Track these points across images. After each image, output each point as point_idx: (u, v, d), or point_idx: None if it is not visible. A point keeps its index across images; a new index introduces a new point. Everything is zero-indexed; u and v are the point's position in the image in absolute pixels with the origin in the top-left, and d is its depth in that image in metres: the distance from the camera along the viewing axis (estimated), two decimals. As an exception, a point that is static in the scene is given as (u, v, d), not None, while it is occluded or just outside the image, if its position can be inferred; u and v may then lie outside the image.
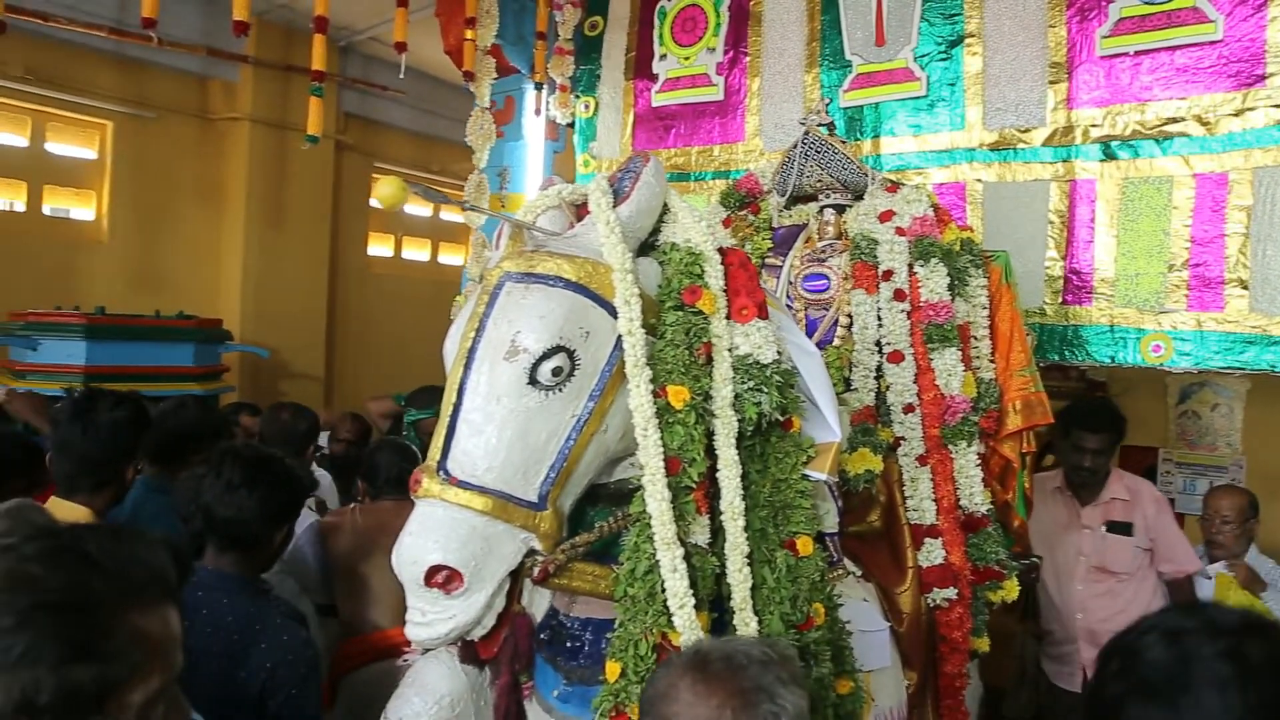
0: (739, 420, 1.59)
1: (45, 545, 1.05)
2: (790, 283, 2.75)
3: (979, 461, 2.56)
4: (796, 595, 1.62)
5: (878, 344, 2.57)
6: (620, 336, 1.51)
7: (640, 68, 4.49)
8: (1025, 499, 2.85)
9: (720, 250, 1.68)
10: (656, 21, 4.44)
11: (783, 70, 4.08)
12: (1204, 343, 3.14)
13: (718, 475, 1.58)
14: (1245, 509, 3.50)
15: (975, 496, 2.53)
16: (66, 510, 2.28)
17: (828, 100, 3.41)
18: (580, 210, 1.72)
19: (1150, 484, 3.51)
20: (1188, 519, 4.45)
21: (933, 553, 2.43)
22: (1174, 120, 3.23)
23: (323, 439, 4.38)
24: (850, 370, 2.57)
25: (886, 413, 2.54)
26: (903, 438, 2.51)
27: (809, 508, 1.69)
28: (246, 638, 1.99)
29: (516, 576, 1.46)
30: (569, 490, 1.51)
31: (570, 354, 1.47)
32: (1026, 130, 3.51)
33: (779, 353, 1.64)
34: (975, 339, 2.69)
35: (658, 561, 1.48)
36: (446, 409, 1.48)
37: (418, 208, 8.12)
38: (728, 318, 1.64)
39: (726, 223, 2.94)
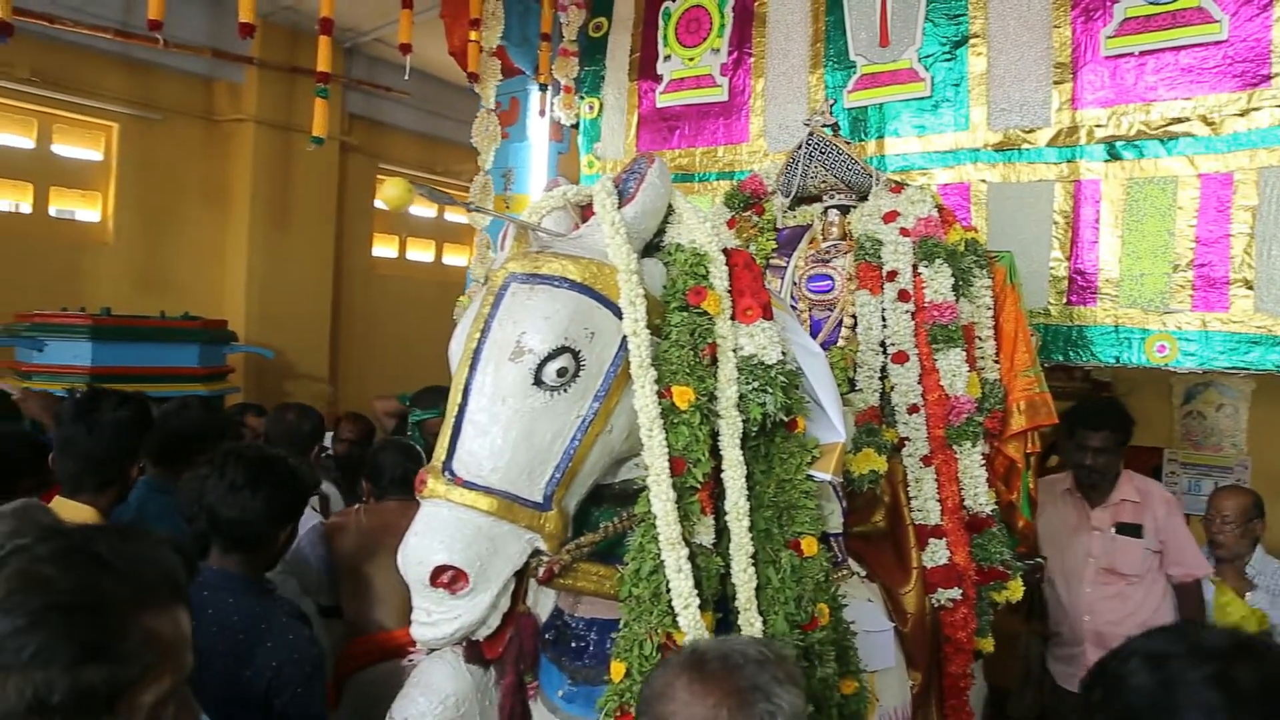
0: (744, 421, 1.60)
1: (57, 546, 1.05)
2: (795, 283, 2.76)
3: (983, 462, 2.56)
4: (801, 595, 1.62)
5: (882, 344, 2.57)
6: (625, 337, 1.51)
7: (645, 69, 4.50)
8: (1030, 499, 2.85)
9: (725, 251, 1.68)
10: (661, 22, 4.45)
11: (787, 71, 4.08)
12: (1209, 343, 3.14)
13: (722, 475, 1.58)
14: (1248, 509, 3.48)
15: (980, 497, 2.54)
16: (71, 510, 2.29)
17: (832, 101, 3.42)
18: (585, 211, 1.73)
19: (1161, 486, 3.48)
20: (1192, 519, 4.44)
21: (937, 553, 2.43)
22: (1179, 120, 3.22)
23: (327, 439, 4.39)
24: (855, 371, 2.58)
25: (891, 413, 2.55)
26: (907, 438, 2.51)
27: (814, 508, 1.70)
28: (252, 637, 2.00)
29: (522, 577, 1.46)
30: (574, 491, 1.51)
31: (575, 355, 1.48)
32: (1031, 131, 3.50)
33: (783, 353, 1.64)
34: (980, 339, 2.69)
35: (662, 561, 1.48)
36: (452, 410, 1.48)
37: (422, 209, 8.13)
38: (732, 318, 1.64)
39: (731, 224, 2.94)
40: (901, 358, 2.53)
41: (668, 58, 4.42)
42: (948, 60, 3.69)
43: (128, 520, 2.52)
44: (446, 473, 1.44)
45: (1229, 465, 5.10)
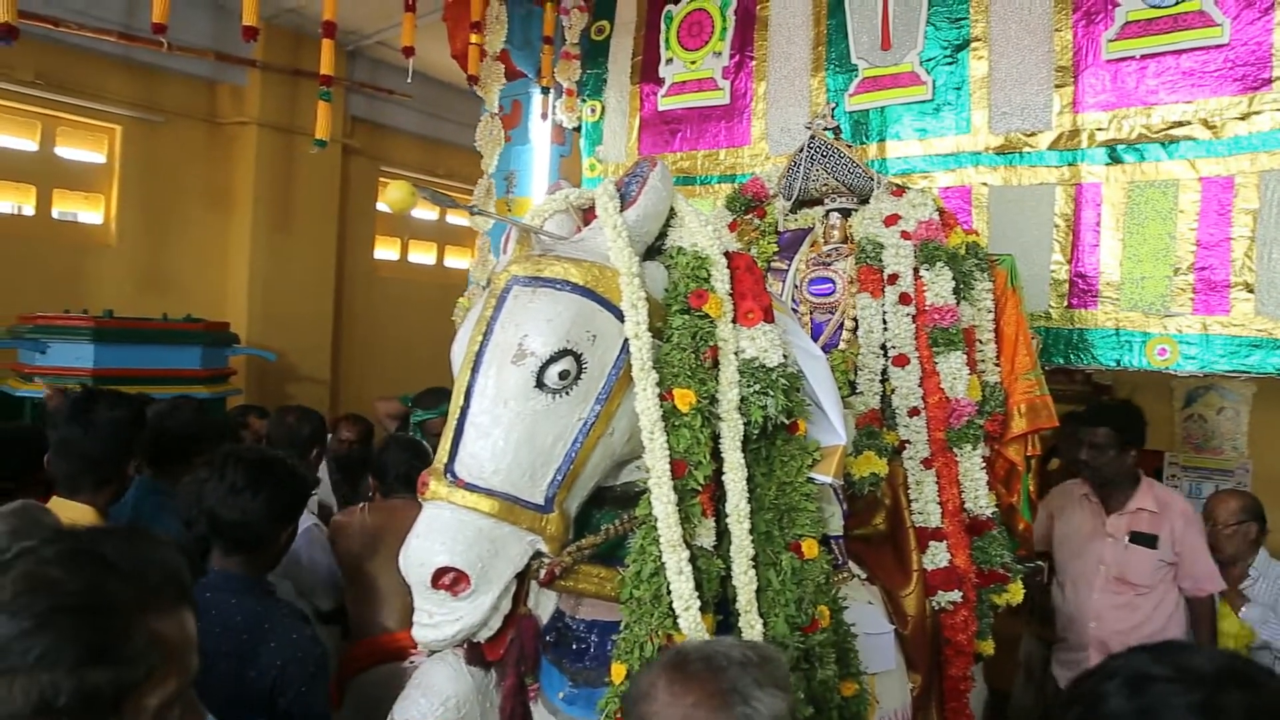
0: (745, 423, 1.60)
1: (63, 548, 1.06)
2: (796, 286, 2.76)
3: (984, 465, 2.56)
4: (801, 598, 1.62)
5: (883, 347, 2.57)
6: (627, 340, 1.52)
7: (646, 72, 4.51)
8: (1030, 502, 2.86)
9: (726, 254, 1.69)
10: (663, 26, 4.46)
11: (789, 74, 4.09)
12: (1210, 346, 3.14)
13: (723, 478, 1.59)
14: (1238, 512, 3.47)
15: (980, 499, 2.54)
16: (69, 509, 2.29)
17: (833, 104, 3.42)
18: (587, 214, 1.73)
19: (1183, 498, 3.39)
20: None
21: (937, 556, 2.44)
22: (1180, 124, 3.23)
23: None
24: (855, 374, 2.58)
25: (891, 416, 2.55)
26: (908, 441, 2.51)
27: (814, 511, 1.70)
28: (255, 637, 2.00)
29: (523, 579, 1.47)
30: (575, 493, 1.51)
31: (577, 357, 1.48)
32: (1032, 134, 3.51)
33: (784, 356, 1.64)
34: (980, 342, 2.69)
35: (663, 564, 1.49)
36: (454, 412, 1.49)
37: (424, 211, 8.14)
38: (734, 321, 1.64)
39: (732, 227, 2.94)
40: (902, 361, 2.53)
41: (669, 61, 4.44)
42: (949, 64, 3.70)
43: (124, 520, 2.53)
44: (448, 475, 1.44)
45: (1230, 468, 5.09)
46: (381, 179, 7.69)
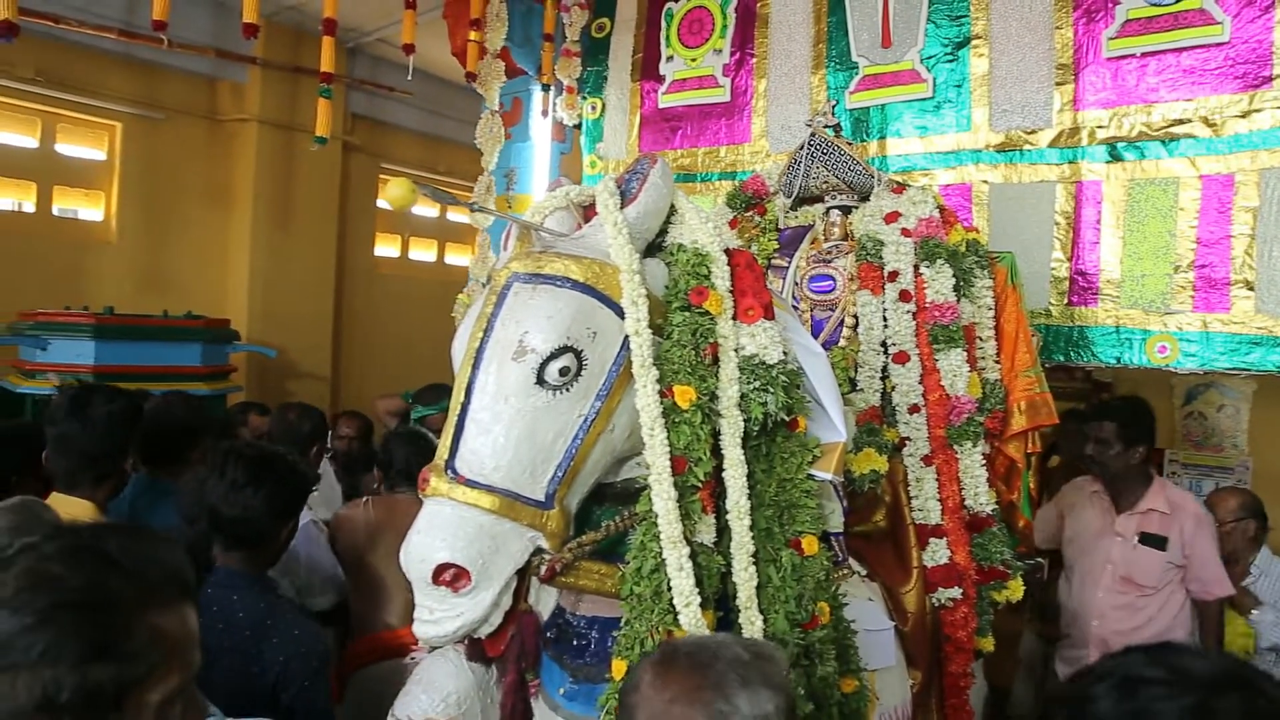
0: (745, 420, 1.60)
1: (65, 544, 1.06)
2: (796, 283, 2.76)
3: (984, 462, 2.57)
4: (801, 594, 1.63)
5: (883, 344, 2.58)
6: (627, 337, 1.52)
7: (647, 69, 4.51)
8: (1030, 499, 2.87)
9: (727, 251, 1.69)
10: (663, 23, 4.46)
11: (789, 72, 4.09)
12: (1210, 344, 3.14)
13: (723, 475, 1.59)
14: (1237, 510, 3.47)
15: (980, 496, 2.54)
16: (69, 505, 2.29)
17: (834, 102, 3.42)
18: (588, 211, 1.73)
19: (1196, 500, 3.34)
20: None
21: (938, 552, 2.44)
22: (1180, 122, 3.23)
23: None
24: (856, 371, 2.59)
25: (892, 413, 2.55)
26: (908, 438, 2.52)
27: (814, 507, 1.70)
28: (258, 633, 2.01)
29: (523, 575, 1.47)
30: (576, 489, 1.52)
31: (577, 354, 1.48)
32: (1033, 132, 3.51)
33: (785, 353, 1.64)
34: (980, 340, 2.70)
35: (663, 560, 1.49)
36: (454, 408, 1.49)
37: (424, 208, 8.14)
38: (734, 318, 1.64)
39: (733, 224, 2.95)
40: (902, 358, 2.53)
41: (670, 58, 4.43)
42: (950, 61, 3.70)
43: (122, 516, 2.53)
44: (449, 471, 1.44)
45: (1230, 466, 5.11)
46: (382, 176, 7.68)
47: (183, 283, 6.33)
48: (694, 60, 4.37)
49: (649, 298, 1.55)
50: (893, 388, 2.56)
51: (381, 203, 7.70)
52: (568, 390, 1.48)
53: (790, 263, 2.80)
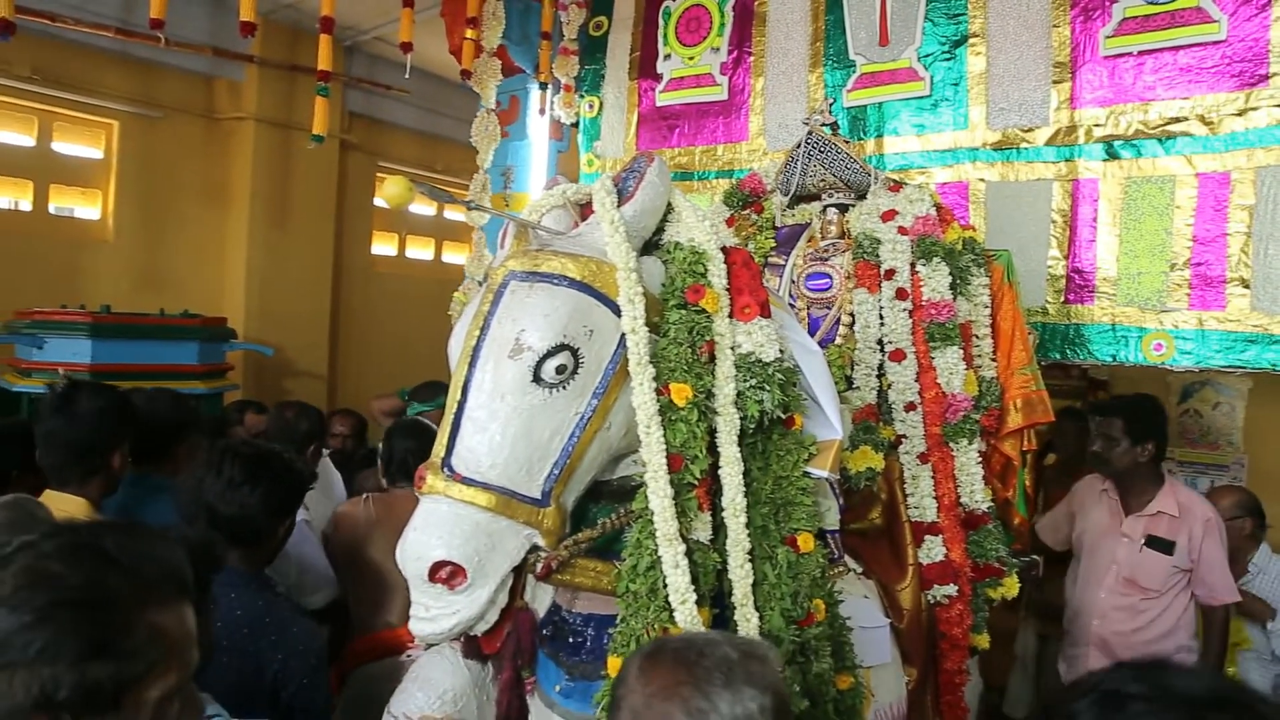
0: (741, 418, 1.61)
1: (64, 542, 1.06)
2: (793, 281, 2.77)
3: (980, 459, 2.57)
4: (797, 591, 1.63)
5: (880, 342, 2.58)
6: (624, 335, 1.52)
7: (644, 67, 4.51)
8: (1025, 496, 2.86)
9: (723, 249, 1.69)
10: (661, 21, 4.46)
11: (787, 70, 4.10)
12: (1205, 341, 3.15)
13: (720, 472, 1.60)
14: (1233, 508, 3.44)
15: (976, 494, 2.55)
16: (62, 502, 2.29)
17: (831, 100, 3.42)
18: (585, 210, 1.73)
19: (1206, 504, 3.25)
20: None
21: (933, 550, 2.44)
22: (1177, 120, 3.23)
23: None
24: (852, 368, 2.59)
25: (888, 411, 2.56)
26: (904, 435, 2.52)
27: (810, 505, 1.71)
28: (256, 631, 2.01)
29: (520, 572, 1.47)
30: (572, 487, 1.52)
31: (574, 352, 1.49)
32: (1030, 130, 3.51)
33: (781, 351, 1.65)
34: (977, 337, 2.70)
35: (660, 557, 1.50)
36: (451, 406, 1.49)
37: (422, 207, 8.13)
38: (730, 316, 1.65)
39: (730, 222, 2.95)
40: (899, 356, 2.54)
41: (668, 56, 4.44)
42: (947, 59, 3.70)
43: (111, 512, 2.53)
44: (446, 469, 1.45)
45: (1225, 463, 5.12)
46: (379, 174, 7.67)
47: (179, 281, 6.32)
48: (691, 58, 4.37)
49: (646, 296, 1.55)
50: (889, 385, 2.56)
51: (379, 201, 7.69)
52: (564, 388, 1.48)
53: (787, 261, 2.80)
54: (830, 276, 2.70)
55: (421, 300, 7.36)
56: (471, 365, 1.50)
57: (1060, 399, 3.67)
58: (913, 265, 2.59)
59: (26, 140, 5.82)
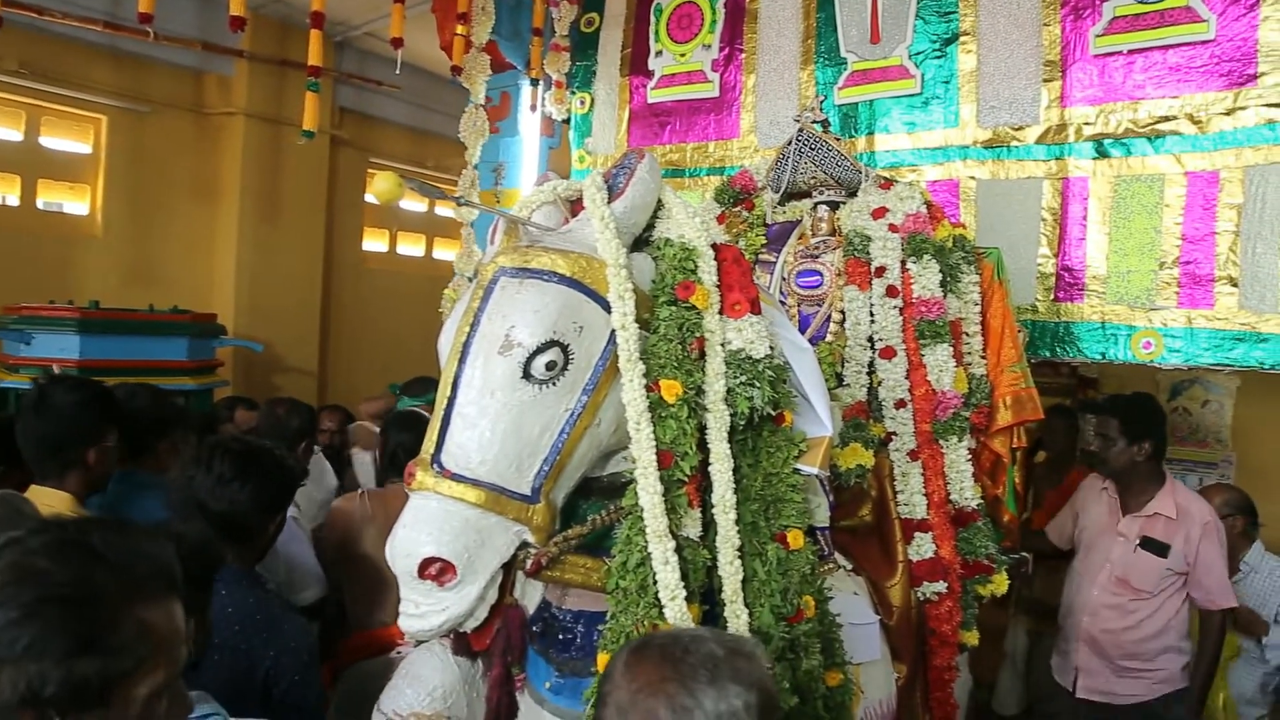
0: (731, 414, 1.61)
1: (51, 538, 1.06)
2: (784, 278, 2.77)
3: (969, 456, 2.58)
4: (787, 588, 1.63)
5: (870, 340, 2.58)
6: (614, 331, 1.52)
7: (636, 64, 4.50)
8: (1015, 494, 2.87)
9: (714, 246, 1.69)
10: (652, 18, 4.45)
11: (778, 67, 4.10)
12: (1194, 339, 3.16)
13: (710, 469, 1.60)
14: (1222, 506, 3.45)
15: (966, 491, 2.56)
16: (46, 496, 2.29)
17: (822, 97, 3.44)
18: (575, 206, 1.73)
19: (1206, 507, 3.22)
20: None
21: (923, 547, 2.45)
22: (1166, 119, 3.24)
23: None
24: (843, 366, 2.59)
25: (878, 408, 2.56)
26: (894, 433, 2.53)
27: (800, 501, 1.71)
28: (248, 628, 2.00)
29: (509, 569, 1.47)
30: (562, 483, 1.52)
31: (564, 348, 1.48)
32: (1020, 128, 3.52)
33: (771, 348, 1.65)
34: (967, 335, 2.71)
35: (649, 554, 1.49)
36: (441, 402, 1.49)
37: (413, 203, 8.12)
38: (721, 313, 1.65)
39: (721, 219, 2.95)
40: (889, 353, 2.54)
41: (659, 53, 4.43)
42: (938, 57, 3.71)
43: (100, 509, 2.52)
44: (435, 465, 1.44)
45: (1214, 461, 5.15)
46: (370, 170, 7.65)
47: (169, 277, 6.29)
48: (683, 55, 4.37)
49: (636, 292, 1.55)
50: (879, 383, 2.57)
51: (370, 197, 7.67)
52: (554, 384, 1.48)
53: (778, 258, 2.80)
54: (821, 274, 2.71)
55: (412, 296, 7.35)
56: (461, 361, 1.49)
57: (1050, 396, 3.67)
58: (903, 263, 2.59)
59: (14, 135, 5.79)
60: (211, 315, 5.74)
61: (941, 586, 2.43)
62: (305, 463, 3.59)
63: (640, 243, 1.71)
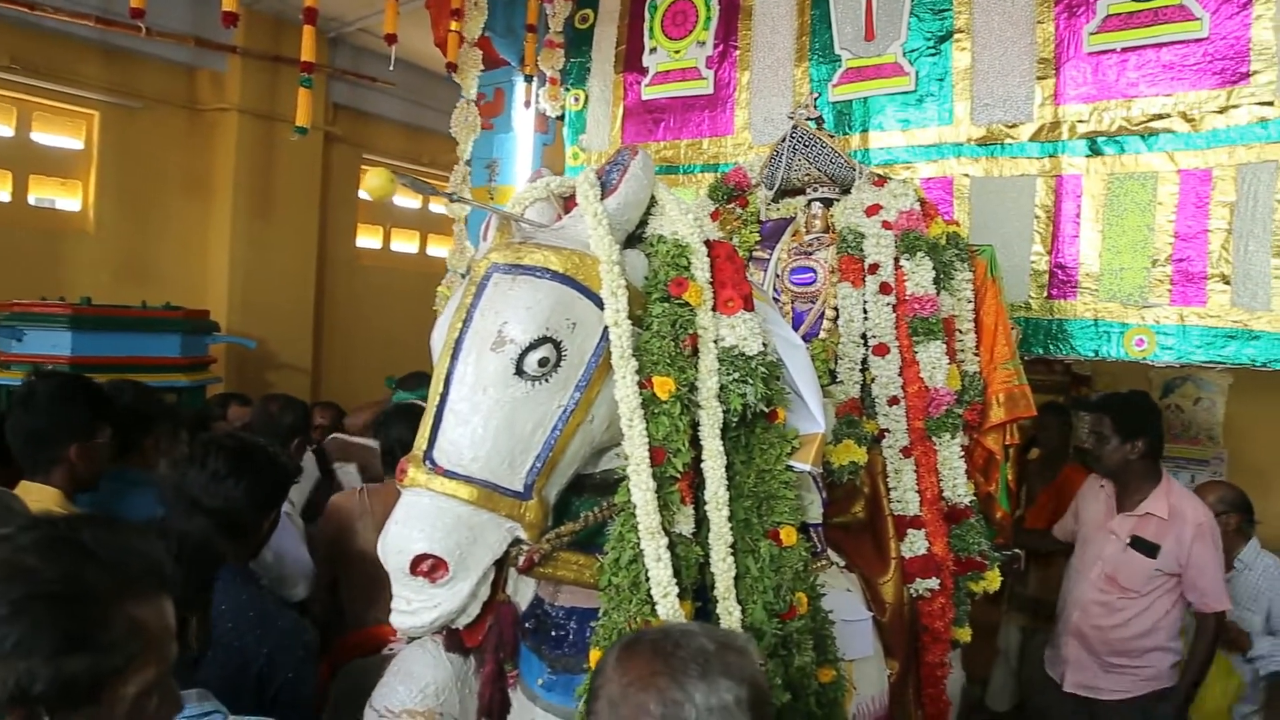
0: (724, 411, 1.61)
1: (41, 535, 1.05)
2: (777, 275, 2.77)
3: (962, 453, 2.58)
4: (780, 585, 1.63)
5: (863, 337, 2.59)
6: (607, 328, 1.52)
7: (630, 61, 4.49)
8: (1008, 491, 2.88)
9: (707, 243, 1.69)
10: (647, 15, 4.45)
11: (772, 64, 4.09)
12: (1186, 337, 3.17)
13: (702, 465, 1.60)
14: (1217, 504, 3.46)
15: (958, 488, 2.56)
16: (35, 491, 2.28)
17: (816, 94, 3.42)
18: (568, 203, 1.73)
19: (1201, 507, 3.19)
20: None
21: (916, 543, 2.45)
22: (1159, 116, 3.25)
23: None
24: (836, 363, 2.59)
25: (871, 405, 2.56)
26: (887, 430, 2.53)
27: (793, 498, 1.71)
28: (242, 626, 2.00)
29: (502, 565, 1.47)
30: (554, 480, 1.52)
31: (557, 345, 1.48)
32: (1014, 125, 3.52)
33: (764, 345, 1.65)
34: (960, 332, 2.71)
35: (642, 551, 1.50)
36: (433, 399, 1.49)
37: (406, 200, 8.10)
38: (714, 310, 1.65)
39: (714, 216, 2.95)
40: (882, 350, 2.54)
41: (653, 50, 4.42)
42: (932, 55, 3.71)
43: (91, 506, 2.51)
44: (427, 461, 1.44)
45: (1206, 458, 5.17)
46: (364, 167, 7.63)
47: (162, 273, 6.27)
48: (677, 52, 4.36)
49: (629, 289, 1.55)
50: (872, 380, 2.57)
51: (363, 193, 7.65)
52: (547, 381, 1.48)
53: (772, 255, 2.80)
54: (814, 270, 2.71)
55: (406, 293, 7.32)
56: (454, 358, 1.49)
57: (1043, 394, 3.68)
58: (896, 260, 2.59)
59: (5, 130, 5.77)
60: (204, 312, 5.72)
61: (934, 583, 2.43)
62: (299, 459, 3.58)
63: (633, 239, 1.71)
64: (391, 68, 4.59)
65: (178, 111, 6.41)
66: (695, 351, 1.60)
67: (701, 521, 1.61)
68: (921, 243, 2.58)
